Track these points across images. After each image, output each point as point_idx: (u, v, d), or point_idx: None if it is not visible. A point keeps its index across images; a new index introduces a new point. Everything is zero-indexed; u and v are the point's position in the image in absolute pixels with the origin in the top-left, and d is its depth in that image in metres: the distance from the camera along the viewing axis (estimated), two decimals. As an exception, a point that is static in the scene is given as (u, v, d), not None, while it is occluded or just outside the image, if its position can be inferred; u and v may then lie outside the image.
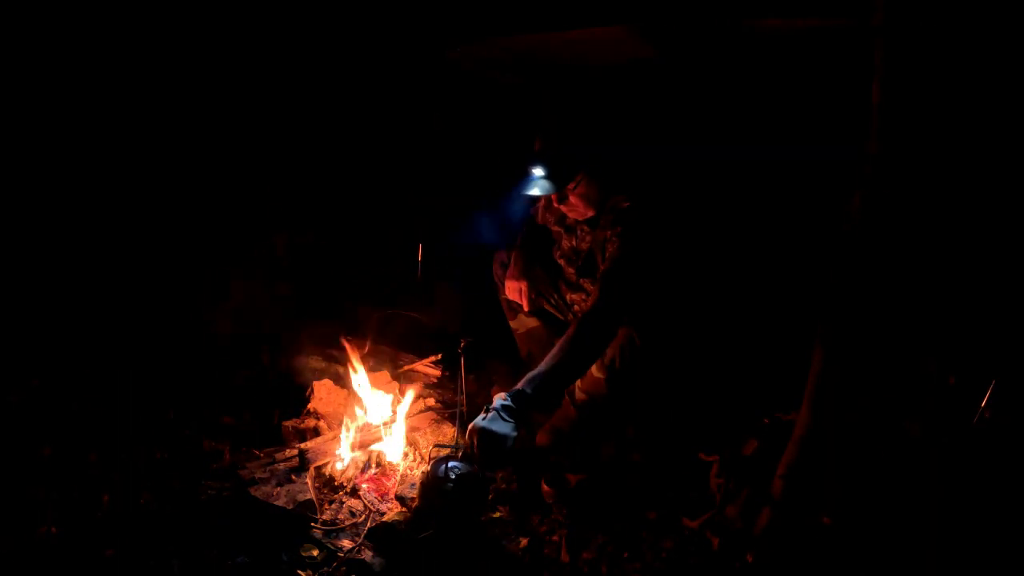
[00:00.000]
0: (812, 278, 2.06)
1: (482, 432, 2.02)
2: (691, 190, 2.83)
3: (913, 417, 2.38)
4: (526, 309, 2.74)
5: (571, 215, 2.49)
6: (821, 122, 2.67)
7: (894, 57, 1.57)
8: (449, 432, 2.65)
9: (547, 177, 2.31)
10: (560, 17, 2.64)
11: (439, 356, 3.06)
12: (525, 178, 2.33)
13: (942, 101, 1.92)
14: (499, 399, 2.09)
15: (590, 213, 2.44)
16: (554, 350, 2.17)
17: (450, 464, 2.12)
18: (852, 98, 1.76)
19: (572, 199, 2.39)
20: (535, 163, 2.33)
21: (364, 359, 2.72)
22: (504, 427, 2.03)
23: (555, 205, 2.45)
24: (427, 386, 3.01)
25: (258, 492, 2.26)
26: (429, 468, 2.15)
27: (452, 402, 2.69)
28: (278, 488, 2.28)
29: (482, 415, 2.07)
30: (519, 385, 2.11)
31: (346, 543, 2.12)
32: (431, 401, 2.85)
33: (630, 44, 2.71)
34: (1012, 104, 2.21)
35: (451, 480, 2.09)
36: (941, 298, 2.54)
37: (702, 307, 2.64)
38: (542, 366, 2.14)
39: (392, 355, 3.08)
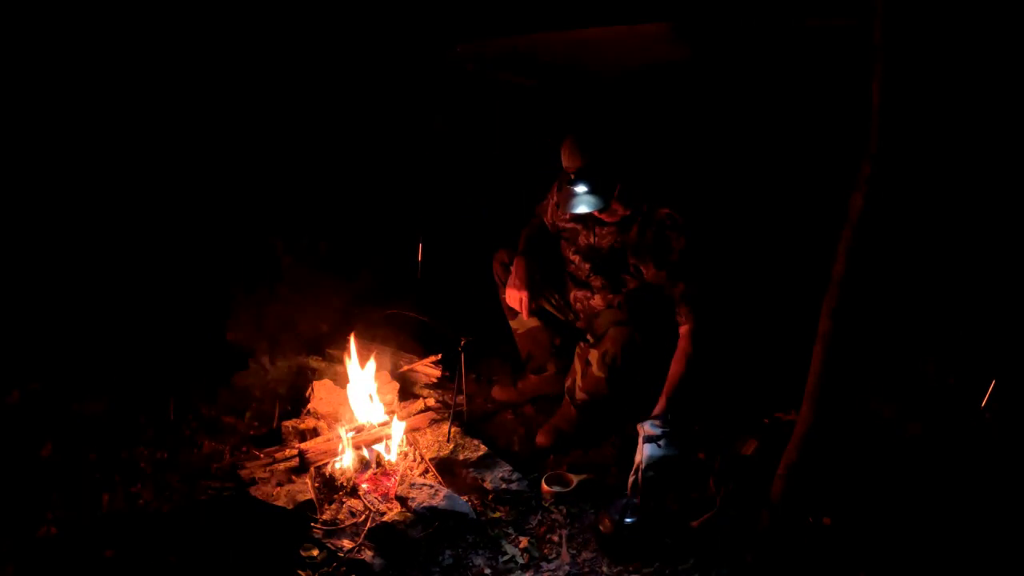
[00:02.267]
0: (813, 276, 2.06)
1: (663, 460, 2.21)
2: (707, 191, 2.86)
3: (913, 417, 2.39)
4: (525, 318, 2.75)
5: (610, 220, 2.53)
6: (825, 122, 2.68)
7: (892, 62, 1.58)
8: (449, 432, 2.65)
9: (592, 192, 2.37)
10: (601, 14, 2.67)
11: (439, 356, 3.05)
12: (569, 198, 2.40)
13: (940, 103, 1.93)
14: (652, 425, 2.27)
15: (626, 213, 2.50)
16: (673, 368, 2.41)
17: (624, 503, 2.17)
18: (853, 97, 1.77)
19: (613, 205, 2.45)
20: (577, 181, 2.38)
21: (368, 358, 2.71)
22: (674, 451, 2.25)
23: (598, 215, 2.50)
24: (427, 386, 3.00)
25: (258, 492, 2.26)
26: (600, 517, 2.19)
27: (452, 402, 2.69)
28: (278, 488, 2.28)
29: (647, 445, 2.23)
30: (658, 411, 2.36)
31: (346, 543, 2.12)
32: (431, 401, 2.85)
33: (663, 44, 2.74)
34: (1009, 107, 2.21)
35: (633, 520, 2.13)
36: (942, 297, 2.55)
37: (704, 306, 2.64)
38: (668, 389, 2.40)
39: (392, 355, 3.07)
